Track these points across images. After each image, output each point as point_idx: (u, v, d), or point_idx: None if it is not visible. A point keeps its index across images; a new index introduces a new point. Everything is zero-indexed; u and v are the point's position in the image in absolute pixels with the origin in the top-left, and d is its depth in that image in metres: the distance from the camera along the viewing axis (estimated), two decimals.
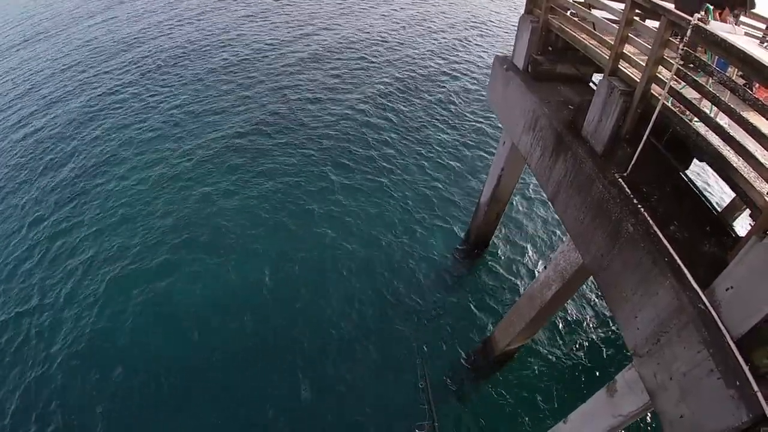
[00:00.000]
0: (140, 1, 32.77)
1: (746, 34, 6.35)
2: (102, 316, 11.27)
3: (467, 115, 19.07)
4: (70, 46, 26.52)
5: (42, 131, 18.65)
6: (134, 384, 9.98)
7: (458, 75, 22.33)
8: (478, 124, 18.46)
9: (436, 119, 18.66)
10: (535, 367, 10.34)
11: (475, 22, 29.43)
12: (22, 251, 13.27)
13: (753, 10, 7.47)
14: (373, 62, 23.12)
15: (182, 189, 14.86)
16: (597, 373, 10.29)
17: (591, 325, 11.31)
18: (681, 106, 5.32)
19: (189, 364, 10.26)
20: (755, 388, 3.63)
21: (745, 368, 3.75)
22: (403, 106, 19.49)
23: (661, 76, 5.43)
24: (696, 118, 5.15)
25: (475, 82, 21.71)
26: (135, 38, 26.55)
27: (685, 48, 4.76)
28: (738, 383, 3.73)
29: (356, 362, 10.41)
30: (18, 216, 14.56)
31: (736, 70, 5.64)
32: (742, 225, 10.93)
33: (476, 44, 26.03)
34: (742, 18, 7.19)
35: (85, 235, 13.45)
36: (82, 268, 12.48)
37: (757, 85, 5.98)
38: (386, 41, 25.58)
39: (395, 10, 30.54)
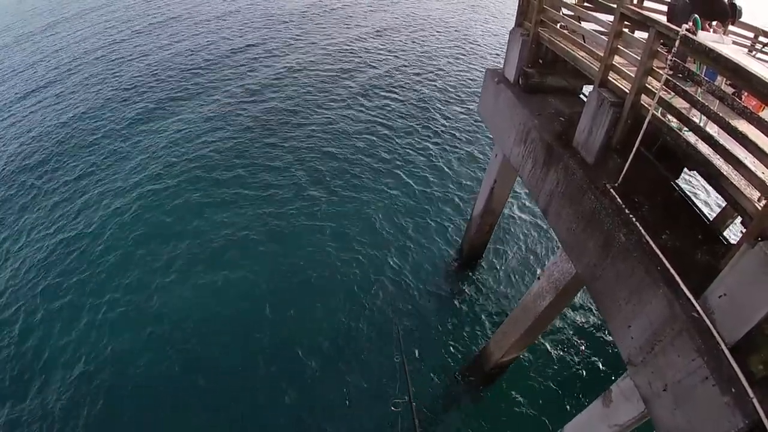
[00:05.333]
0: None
1: (734, 43, 6.44)
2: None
3: (459, 127, 19.16)
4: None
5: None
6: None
7: (448, 88, 22.47)
8: (470, 137, 18.54)
9: (428, 133, 18.73)
10: (530, 379, 10.29)
11: (467, 37, 29.70)
12: None
13: (740, 20, 7.57)
14: (355, 82, 23.27)
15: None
16: (592, 384, 10.23)
17: (585, 336, 11.28)
18: (670, 115, 5.36)
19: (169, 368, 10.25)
20: (751, 394, 3.62)
21: (740, 375, 3.74)
22: (394, 120, 19.56)
23: (650, 87, 5.48)
24: (686, 128, 5.19)
25: (467, 95, 21.86)
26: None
27: (673, 58, 4.81)
28: (733, 390, 3.72)
29: (340, 355, 10.59)
30: None
31: (725, 79, 5.71)
32: (734, 233, 11.01)
33: (467, 58, 26.23)
34: (730, 27, 7.28)
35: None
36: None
37: (746, 93, 6.05)
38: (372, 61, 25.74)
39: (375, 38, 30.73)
